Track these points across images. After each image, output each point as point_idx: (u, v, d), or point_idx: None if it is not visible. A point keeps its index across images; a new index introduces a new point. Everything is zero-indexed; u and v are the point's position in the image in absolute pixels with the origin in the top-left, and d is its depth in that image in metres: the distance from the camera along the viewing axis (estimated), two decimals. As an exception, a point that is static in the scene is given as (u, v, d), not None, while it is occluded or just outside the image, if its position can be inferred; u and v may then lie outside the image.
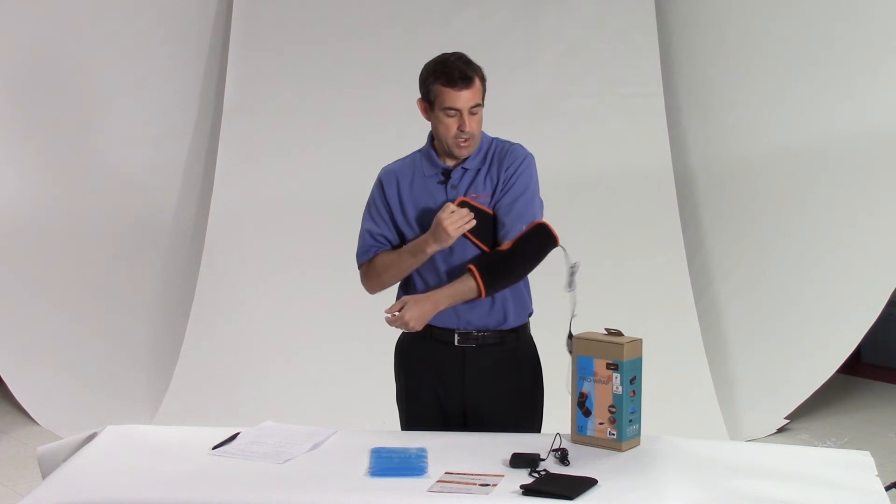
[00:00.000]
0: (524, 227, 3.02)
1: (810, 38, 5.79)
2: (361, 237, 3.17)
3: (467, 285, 2.98)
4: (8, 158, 5.81)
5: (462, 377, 3.10)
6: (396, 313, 2.99)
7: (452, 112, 2.99)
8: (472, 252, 3.04)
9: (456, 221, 2.92)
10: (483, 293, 2.98)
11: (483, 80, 3.04)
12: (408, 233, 3.11)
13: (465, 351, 3.09)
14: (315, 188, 6.19)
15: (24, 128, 5.89)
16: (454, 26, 6.26)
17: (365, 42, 6.33)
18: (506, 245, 3.01)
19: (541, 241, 3.04)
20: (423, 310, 2.98)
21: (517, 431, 3.06)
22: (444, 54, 3.06)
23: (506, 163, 3.07)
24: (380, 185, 3.15)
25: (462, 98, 2.97)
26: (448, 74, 2.98)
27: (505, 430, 3.03)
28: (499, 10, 6.34)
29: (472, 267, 2.99)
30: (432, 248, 2.99)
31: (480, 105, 3.02)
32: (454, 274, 3.04)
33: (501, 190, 3.05)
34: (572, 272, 3.01)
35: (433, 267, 3.07)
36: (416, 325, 2.98)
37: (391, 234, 3.12)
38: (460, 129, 2.99)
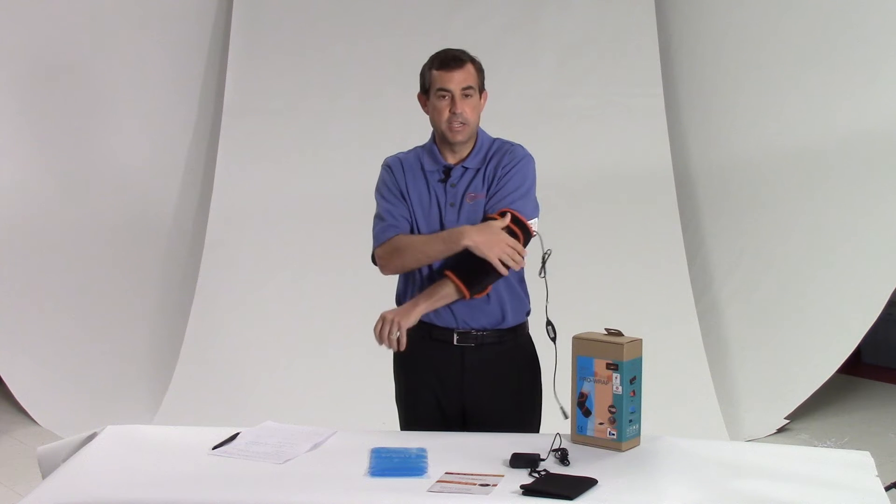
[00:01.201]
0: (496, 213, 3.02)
1: (810, 39, 5.79)
2: (380, 218, 3.13)
3: (447, 289, 2.98)
4: (8, 158, 5.81)
5: (461, 377, 3.10)
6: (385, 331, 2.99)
7: (443, 93, 3.02)
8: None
9: (508, 253, 2.93)
10: (467, 294, 2.98)
11: (478, 68, 3.08)
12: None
13: (464, 350, 3.09)
14: (315, 188, 6.19)
15: (24, 128, 5.89)
16: (454, 26, 6.26)
17: (365, 42, 6.33)
18: None
19: (514, 234, 3.01)
20: (404, 310, 2.99)
21: (516, 431, 3.06)
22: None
23: (503, 161, 3.08)
24: (389, 169, 3.15)
25: (454, 79, 3.01)
26: (441, 59, 3.05)
27: (504, 430, 3.03)
28: (499, 11, 6.34)
29: (449, 273, 2.99)
30: (469, 243, 2.94)
31: (473, 88, 3.04)
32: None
33: (494, 187, 3.05)
34: (544, 259, 3.04)
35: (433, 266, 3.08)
36: (403, 321, 2.94)
37: (408, 213, 3.10)
38: (452, 111, 3.01)
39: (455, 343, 3.09)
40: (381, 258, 3.11)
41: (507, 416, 3.11)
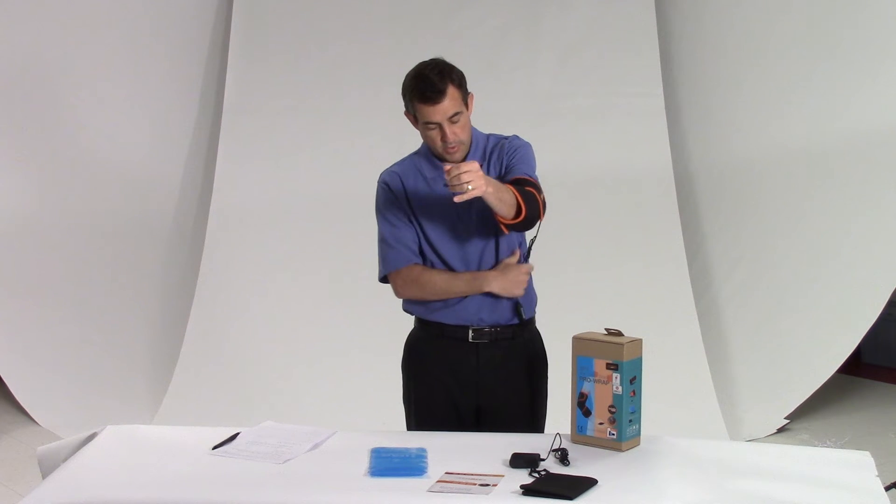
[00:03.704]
0: (518, 175, 3.02)
1: (810, 38, 5.79)
2: (386, 243, 3.10)
3: (510, 197, 2.87)
4: (8, 159, 5.81)
5: (476, 373, 3.11)
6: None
7: (432, 125, 2.98)
8: (484, 248, 3.05)
9: (522, 282, 2.95)
10: (524, 213, 2.89)
11: (460, 86, 2.98)
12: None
13: (479, 347, 3.10)
14: (315, 188, 6.20)
15: (24, 128, 5.89)
16: (454, 26, 6.27)
17: (365, 42, 6.33)
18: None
19: (543, 200, 3.02)
20: (485, 177, 2.79)
21: (528, 425, 3.09)
22: (420, 65, 3.01)
23: (506, 149, 3.09)
24: (387, 187, 3.11)
25: (438, 112, 2.95)
26: (421, 90, 2.94)
27: (516, 425, 3.05)
28: (499, 11, 6.34)
29: (513, 189, 2.89)
30: (493, 289, 3.02)
31: (460, 112, 2.98)
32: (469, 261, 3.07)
33: (506, 169, 3.06)
34: (530, 245, 3.09)
35: (444, 258, 3.09)
36: (482, 184, 2.74)
37: (413, 234, 3.09)
38: (443, 139, 2.99)
39: (470, 340, 3.09)
40: (399, 286, 3.12)
41: (520, 412, 3.12)
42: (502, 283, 3.02)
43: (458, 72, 3.00)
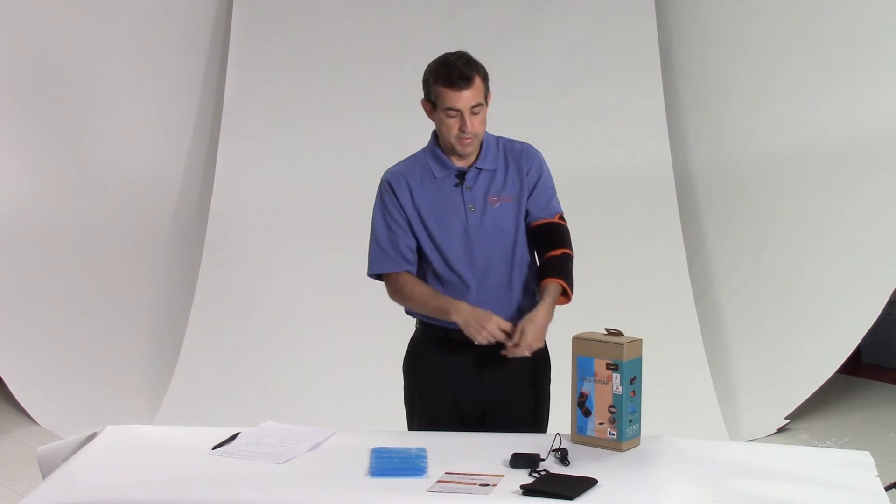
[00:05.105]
0: (552, 217, 3.09)
1: (809, 39, 5.79)
2: (377, 244, 3.09)
3: (557, 293, 3.00)
4: (8, 158, 5.81)
5: (481, 376, 3.09)
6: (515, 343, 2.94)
7: (453, 112, 2.96)
8: (494, 255, 3.04)
9: (486, 336, 2.93)
10: (570, 297, 3.04)
11: (485, 79, 3.01)
12: (421, 237, 3.06)
13: (484, 350, 3.07)
14: (315, 187, 6.19)
15: (24, 128, 5.89)
16: (455, 26, 6.26)
17: (365, 41, 6.33)
18: (556, 252, 3.04)
19: (568, 234, 3.12)
20: (539, 331, 2.95)
21: (531, 428, 3.08)
22: (446, 54, 3.03)
23: (525, 164, 3.08)
24: (389, 188, 3.08)
25: (462, 98, 2.95)
26: (447, 75, 2.96)
27: (522, 427, 3.04)
28: (499, 11, 6.34)
29: (557, 281, 3.00)
30: (458, 321, 2.95)
31: (482, 104, 2.99)
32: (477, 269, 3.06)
33: (532, 194, 3.08)
34: None
35: (455, 270, 3.07)
36: (539, 344, 2.97)
37: (409, 239, 3.06)
38: (461, 129, 2.98)
39: (475, 344, 3.04)
40: (389, 292, 3.14)
41: (524, 415, 3.12)
42: (467, 317, 2.94)
43: (483, 66, 3.03)
